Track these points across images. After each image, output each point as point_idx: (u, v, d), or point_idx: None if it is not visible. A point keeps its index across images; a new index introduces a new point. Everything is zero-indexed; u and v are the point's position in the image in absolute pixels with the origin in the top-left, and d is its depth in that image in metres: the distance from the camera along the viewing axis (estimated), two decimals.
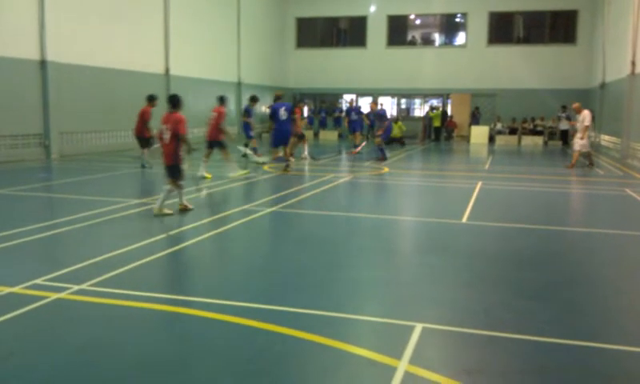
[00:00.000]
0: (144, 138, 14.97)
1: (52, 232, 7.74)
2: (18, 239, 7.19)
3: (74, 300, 5.09)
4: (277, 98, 15.51)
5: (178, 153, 8.82)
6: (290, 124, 15.07)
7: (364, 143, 22.65)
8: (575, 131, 17.10)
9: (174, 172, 8.85)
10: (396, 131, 25.71)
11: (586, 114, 15.98)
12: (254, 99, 17.62)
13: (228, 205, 10.29)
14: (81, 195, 10.75)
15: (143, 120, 14.81)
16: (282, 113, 14.91)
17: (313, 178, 13.81)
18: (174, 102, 8.92)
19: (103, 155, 18.26)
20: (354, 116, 21.91)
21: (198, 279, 6.21)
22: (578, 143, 16.19)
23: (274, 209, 9.65)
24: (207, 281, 6.10)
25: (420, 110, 33.79)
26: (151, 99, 15.03)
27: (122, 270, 6.01)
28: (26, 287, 5.33)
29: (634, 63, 19.30)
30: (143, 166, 14.95)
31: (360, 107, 24.61)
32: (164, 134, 8.79)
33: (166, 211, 8.79)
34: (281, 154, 15.93)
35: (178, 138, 8.72)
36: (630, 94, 19.63)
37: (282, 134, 15.12)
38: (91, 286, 5.41)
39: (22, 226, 7.84)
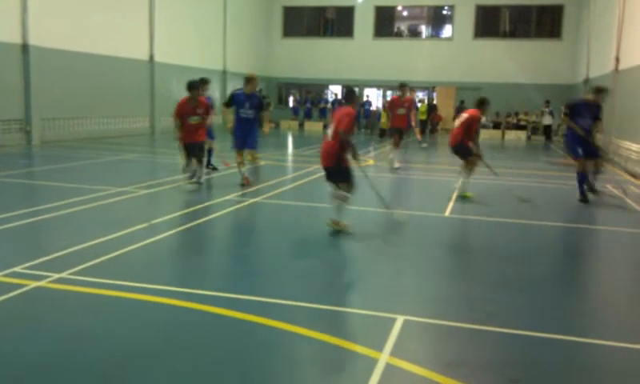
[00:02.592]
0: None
1: (32, 219, 7.63)
2: None
3: (53, 288, 5.03)
4: (247, 82, 10.63)
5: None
6: (255, 124, 10.77)
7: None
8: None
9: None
10: (384, 121, 25.66)
11: None
12: (203, 82, 11.74)
13: (209, 195, 10.22)
14: (62, 182, 10.62)
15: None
16: (246, 109, 10.45)
17: (297, 170, 13.77)
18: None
19: (85, 142, 18.06)
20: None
21: (179, 269, 6.16)
22: None
23: (257, 200, 9.61)
24: (188, 271, 6.05)
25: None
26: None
27: (103, 259, 5.94)
28: (5, 275, 5.25)
29: (617, 59, 19.46)
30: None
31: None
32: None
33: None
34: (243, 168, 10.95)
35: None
36: (613, 89, 19.79)
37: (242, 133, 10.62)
38: (71, 274, 5.35)
39: (1, 212, 7.72)
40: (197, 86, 10.29)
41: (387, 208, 8.02)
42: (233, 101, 10.51)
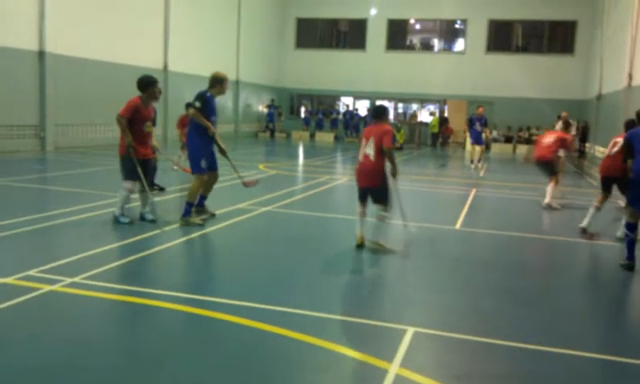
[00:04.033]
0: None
1: (46, 224, 7.72)
2: (12, 230, 7.17)
3: (66, 293, 5.09)
4: (221, 83, 8.17)
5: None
6: (194, 129, 8.02)
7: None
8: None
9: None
10: (399, 138, 26.24)
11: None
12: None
13: (221, 203, 10.28)
14: (75, 188, 10.72)
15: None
16: (215, 118, 8.17)
17: (307, 180, 13.82)
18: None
19: (99, 149, 18.22)
20: (478, 127, 17.79)
21: (190, 276, 6.22)
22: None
23: (268, 209, 9.66)
24: (200, 278, 6.11)
25: (419, 115, 33.80)
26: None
27: (116, 264, 6.02)
28: (19, 278, 5.32)
29: (630, 76, 19.42)
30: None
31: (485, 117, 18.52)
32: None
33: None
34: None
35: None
36: (625, 106, 19.72)
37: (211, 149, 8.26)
38: (84, 279, 5.41)
39: (15, 216, 7.82)
40: (154, 83, 8.01)
41: (405, 222, 7.98)
42: (206, 106, 7.93)
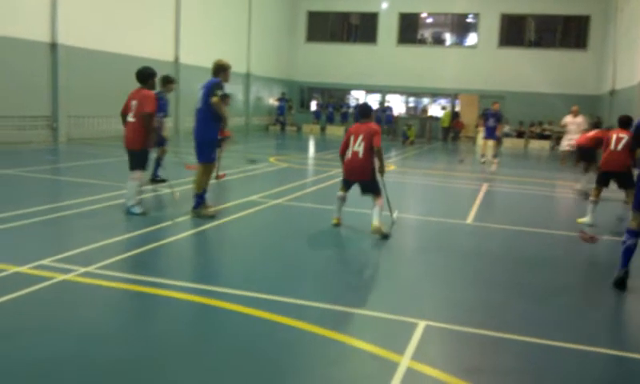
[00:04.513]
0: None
1: (59, 214, 7.78)
2: (26, 220, 7.23)
3: (80, 282, 5.13)
4: (225, 70, 8.07)
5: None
6: (207, 120, 7.90)
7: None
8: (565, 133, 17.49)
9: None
10: (410, 135, 26.33)
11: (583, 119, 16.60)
12: (168, 81, 10.35)
13: (233, 196, 10.31)
14: (88, 179, 10.79)
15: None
16: (198, 96, 7.99)
17: (318, 173, 13.82)
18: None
19: (111, 140, 18.27)
20: (492, 122, 17.02)
21: (202, 267, 6.26)
22: (568, 143, 16.46)
23: (279, 201, 9.67)
24: (211, 269, 6.14)
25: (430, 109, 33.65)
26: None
27: (129, 255, 6.06)
28: (33, 267, 5.36)
29: None
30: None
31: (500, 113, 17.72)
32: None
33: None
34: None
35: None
36: (639, 101, 19.56)
37: (195, 143, 8.07)
38: (98, 268, 5.45)
39: (29, 207, 7.88)
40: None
41: (390, 212, 8.03)
42: (225, 95, 8.19)
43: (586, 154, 11.49)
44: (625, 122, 9.16)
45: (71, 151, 15.58)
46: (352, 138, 7.62)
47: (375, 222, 7.50)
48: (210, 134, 7.96)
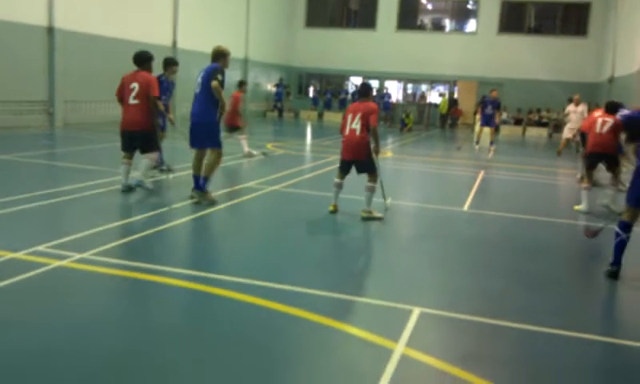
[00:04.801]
0: (236, 127, 13.09)
1: (55, 200, 7.75)
2: (21, 205, 7.20)
3: (75, 268, 5.12)
4: (225, 56, 8.00)
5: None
6: (207, 103, 7.82)
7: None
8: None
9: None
10: (408, 122, 26.41)
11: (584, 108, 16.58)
12: (170, 63, 10.18)
13: (229, 182, 10.29)
14: (84, 164, 10.75)
15: (235, 107, 12.92)
16: (198, 81, 7.93)
17: (315, 159, 13.79)
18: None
19: (108, 125, 18.18)
20: (490, 109, 17.46)
21: (199, 254, 6.25)
22: (571, 131, 16.47)
23: (275, 188, 9.66)
24: (206, 255, 6.14)
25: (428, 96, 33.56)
26: (241, 84, 13.57)
27: (125, 241, 6.06)
28: (28, 253, 5.35)
29: None
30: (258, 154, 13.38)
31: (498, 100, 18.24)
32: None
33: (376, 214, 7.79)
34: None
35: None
36: (638, 89, 19.52)
37: (192, 124, 8.02)
38: (93, 255, 5.44)
39: (24, 192, 7.86)
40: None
41: (384, 198, 8.11)
42: (224, 80, 7.87)
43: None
44: (611, 108, 9.38)
45: (68, 136, 15.52)
46: (350, 117, 7.68)
47: (366, 208, 7.65)
48: (209, 116, 7.85)
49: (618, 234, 5.82)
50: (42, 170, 10.56)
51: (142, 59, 8.35)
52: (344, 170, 7.87)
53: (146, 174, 8.33)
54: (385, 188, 8.10)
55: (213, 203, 7.92)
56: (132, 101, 8.14)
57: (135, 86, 8.13)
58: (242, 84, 13.47)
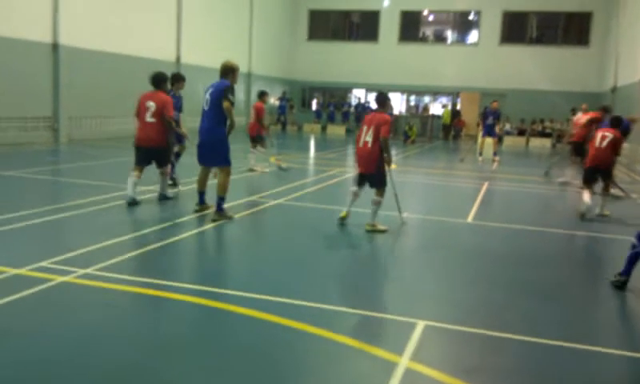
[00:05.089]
0: (259, 137, 13.30)
1: (59, 216, 7.77)
2: (25, 221, 7.23)
3: (79, 284, 5.13)
4: (234, 72, 7.94)
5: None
6: (216, 121, 7.75)
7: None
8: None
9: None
10: (411, 134, 26.58)
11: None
12: (178, 79, 10.14)
13: (232, 196, 10.30)
14: (89, 180, 10.79)
15: (259, 117, 13.14)
16: (206, 98, 7.86)
17: (319, 173, 13.80)
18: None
19: (112, 141, 18.31)
20: (491, 120, 17.78)
21: (201, 267, 6.25)
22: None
23: (279, 201, 9.67)
24: (211, 270, 6.13)
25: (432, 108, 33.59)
26: (263, 95, 13.72)
27: (129, 256, 6.05)
28: (32, 269, 5.36)
29: None
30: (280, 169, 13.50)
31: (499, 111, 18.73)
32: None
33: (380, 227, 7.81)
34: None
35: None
36: None
37: (200, 141, 7.94)
38: (97, 270, 5.45)
39: (29, 208, 7.89)
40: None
41: (399, 212, 8.25)
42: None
43: (579, 149, 12.45)
44: (615, 123, 9.81)
45: (72, 152, 15.58)
46: (365, 128, 7.72)
47: (370, 221, 7.72)
48: (218, 134, 7.79)
49: (634, 246, 5.67)
50: (47, 186, 10.60)
51: (159, 80, 8.80)
52: (361, 180, 7.92)
53: (165, 187, 9.00)
54: (398, 201, 8.16)
55: (231, 219, 7.95)
56: (149, 119, 8.55)
57: (152, 105, 8.55)
58: (263, 94, 13.62)
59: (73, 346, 3.92)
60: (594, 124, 11.99)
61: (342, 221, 7.94)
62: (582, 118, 16.26)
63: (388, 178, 7.80)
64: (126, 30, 19.57)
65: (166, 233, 7.15)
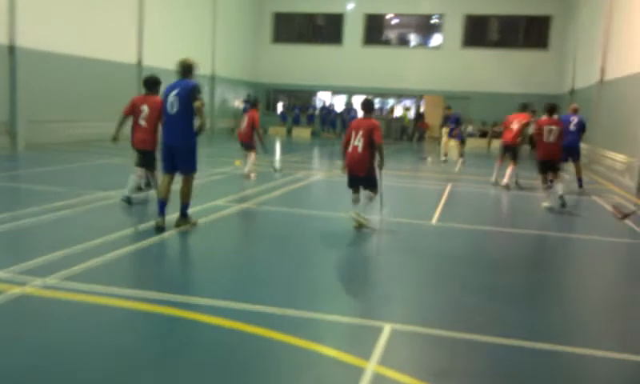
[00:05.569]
0: (251, 145, 13.10)
1: (16, 223, 7.54)
2: None
3: (37, 295, 4.97)
4: (183, 71, 7.51)
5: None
6: (186, 124, 7.35)
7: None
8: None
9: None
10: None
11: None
12: (156, 82, 9.20)
13: (196, 200, 10.17)
14: (47, 186, 10.52)
15: (255, 126, 12.90)
16: (171, 100, 7.33)
17: (284, 176, 13.75)
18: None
19: (73, 145, 17.90)
20: (450, 125, 18.62)
21: (165, 276, 6.12)
22: None
23: (245, 205, 9.58)
24: (175, 277, 6.02)
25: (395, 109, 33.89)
26: (256, 103, 13.69)
27: (89, 265, 5.89)
28: None
29: (603, 70, 19.66)
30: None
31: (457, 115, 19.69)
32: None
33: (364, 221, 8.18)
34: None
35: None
36: (597, 101, 20.00)
37: (165, 145, 7.56)
38: (57, 279, 5.29)
39: None
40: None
41: (381, 208, 8.58)
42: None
43: (511, 150, 13.47)
44: (550, 110, 10.85)
45: (31, 157, 15.16)
46: (353, 133, 7.98)
47: (361, 213, 8.05)
48: (190, 138, 7.40)
49: None
50: (3, 192, 10.28)
51: (152, 83, 8.98)
52: (352, 183, 8.21)
53: (156, 188, 8.82)
54: (382, 198, 8.42)
55: (195, 225, 7.81)
56: (141, 122, 8.73)
57: (145, 108, 8.71)
58: (256, 102, 13.53)
59: (31, 363, 3.78)
60: (525, 126, 12.95)
61: (359, 227, 8.08)
62: (513, 121, 16.41)
63: (378, 179, 8.10)
64: (87, 32, 19.18)
65: (127, 240, 6.99)
